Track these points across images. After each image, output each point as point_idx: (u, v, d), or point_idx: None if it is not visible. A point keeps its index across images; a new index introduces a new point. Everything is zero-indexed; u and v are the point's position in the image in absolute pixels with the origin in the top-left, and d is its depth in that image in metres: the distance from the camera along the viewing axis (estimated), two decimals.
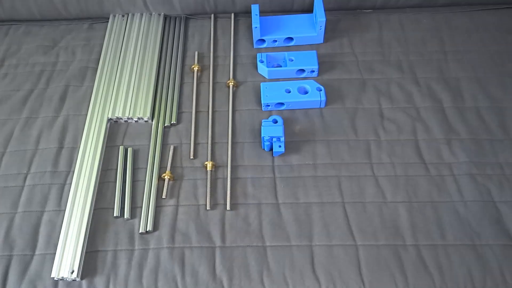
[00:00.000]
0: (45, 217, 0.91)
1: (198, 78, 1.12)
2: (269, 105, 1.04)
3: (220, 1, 1.21)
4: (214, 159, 0.98)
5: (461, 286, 0.81)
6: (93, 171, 0.95)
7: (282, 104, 1.04)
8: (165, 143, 1.01)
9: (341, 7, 1.22)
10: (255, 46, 1.17)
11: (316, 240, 0.86)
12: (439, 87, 1.06)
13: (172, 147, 1.00)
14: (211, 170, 0.95)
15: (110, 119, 1.04)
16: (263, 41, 1.16)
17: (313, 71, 1.09)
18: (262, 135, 0.96)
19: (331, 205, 0.90)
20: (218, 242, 0.87)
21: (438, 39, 1.16)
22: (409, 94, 1.06)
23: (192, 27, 1.23)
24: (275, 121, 1.00)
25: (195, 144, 1.00)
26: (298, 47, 1.16)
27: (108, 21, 1.23)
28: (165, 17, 1.24)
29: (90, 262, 0.86)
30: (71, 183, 0.94)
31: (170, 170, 0.96)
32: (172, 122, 1.04)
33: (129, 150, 0.99)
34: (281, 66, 1.11)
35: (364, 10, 1.23)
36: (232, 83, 1.08)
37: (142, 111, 1.05)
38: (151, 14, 1.24)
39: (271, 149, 0.98)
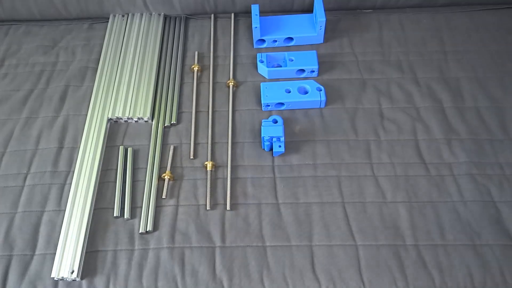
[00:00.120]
0: (45, 217, 0.91)
1: (198, 78, 1.12)
2: (269, 105, 1.04)
3: (220, 1, 1.21)
4: (214, 159, 0.98)
5: (461, 286, 0.81)
6: (93, 171, 0.95)
7: (282, 104, 1.04)
8: (165, 143, 1.01)
9: (341, 7, 1.22)
10: (255, 46, 1.17)
11: (316, 240, 0.87)
12: (439, 87, 1.06)
13: (172, 147, 1.00)
14: (211, 170, 0.95)
15: (110, 119, 1.04)
16: (263, 41, 1.16)
17: (313, 71, 1.09)
18: (262, 135, 0.96)
19: (331, 205, 0.90)
20: (218, 242, 0.87)
21: (438, 39, 1.16)
22: (409, 94, 1.06)
23: (192, 27, 1.23)
24: (275, 121, 1.00)
25: (195, 144, 1.00)
26: (298, 47, 1.16)
27: (108, 21, 1.23)
28: (165, 17, 1.24)
29: (90, 262, 0.86)
30: (71, 183, 0.94)
31: (170, 170, 0.96)
32: (172, 122, 1.04)
33: (129, 150, 0.99)
34: (281, 66, 1.11)
35: (364, 10, 1.23)
36: (232, 83, 1.08)
37: (142, 111, 1.05)
38: (151, 14, 1.24)
39: (271, 149, 0.98)
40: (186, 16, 1.24)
